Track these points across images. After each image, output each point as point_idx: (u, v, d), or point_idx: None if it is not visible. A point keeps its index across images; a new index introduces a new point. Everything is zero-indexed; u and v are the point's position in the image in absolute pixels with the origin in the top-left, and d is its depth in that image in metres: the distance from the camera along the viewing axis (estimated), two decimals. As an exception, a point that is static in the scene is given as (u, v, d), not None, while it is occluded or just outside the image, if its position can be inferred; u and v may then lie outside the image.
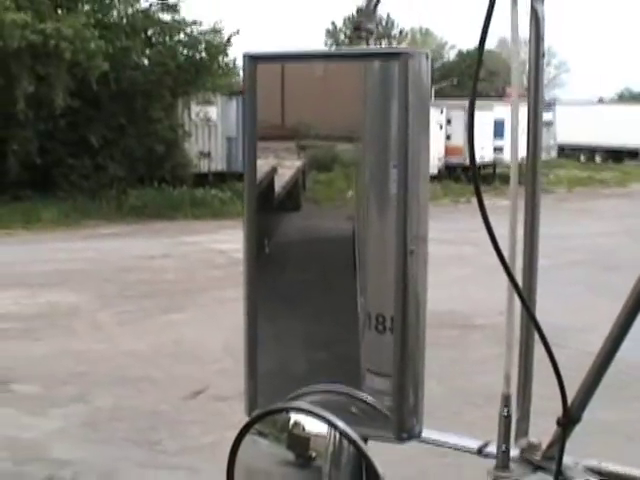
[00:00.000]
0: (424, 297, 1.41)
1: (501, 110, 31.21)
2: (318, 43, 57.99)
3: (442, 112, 32.74)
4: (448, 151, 33.27)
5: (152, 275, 14.88)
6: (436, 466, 5.95)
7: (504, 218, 1.46)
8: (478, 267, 13.73)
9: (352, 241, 1.47)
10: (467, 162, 32.17)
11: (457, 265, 15.22)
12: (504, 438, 1.47)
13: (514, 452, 1.50)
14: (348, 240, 1.47)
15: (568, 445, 1.44)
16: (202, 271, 15.22)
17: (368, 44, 1.60)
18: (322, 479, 1.33)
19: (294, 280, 1.56)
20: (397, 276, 1.38)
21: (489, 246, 1.32)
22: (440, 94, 43.76)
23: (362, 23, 1.59)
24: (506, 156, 31.30)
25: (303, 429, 1.33)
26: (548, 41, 1.50)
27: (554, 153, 37.97)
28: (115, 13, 24.42)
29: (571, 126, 38.75)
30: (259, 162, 1.53)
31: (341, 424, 1.28)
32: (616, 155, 42.74)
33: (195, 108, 25.72)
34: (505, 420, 1.47)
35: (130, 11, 24.35)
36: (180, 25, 24.47)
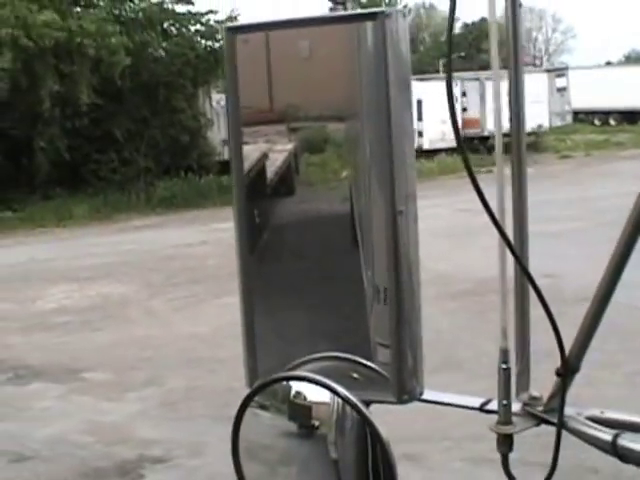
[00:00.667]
0: (416, 256, 1.41)
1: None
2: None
3: (457, 85, 32.78)
4: (465, 123, 33.32)
5: (194, 262, 15.17)
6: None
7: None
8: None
9: (350, 219, 1.46)
10: (484, 133, 32.38)
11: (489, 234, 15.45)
12: (505, 392, 1.46)
13: (516, 407, 1.50)
14: (346, 218, 1.46)
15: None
16: (241, 255, 15.51)
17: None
18: (327, 447, 1.33)
19: (292, 257, 1.56)
20: (387, 237, 1.38)
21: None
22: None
23: None
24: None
25: (305, 398, 1.33)
26: (553, 7, 1.40)
27: (569, 118, 38.10)
28: (128, 7, 24.67)
29: (584, 91, 38.78)
30: (249, 147, 1.52)
31: (342, 390, 1.28)
32: (630, 117, 42.74)
33: (216, 96, 25.98)
34: (504, 374, 1.46)
35: (144, 4, 24.59)
36: (195, 16, 24.72)
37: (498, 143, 1.42)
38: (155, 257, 15.95)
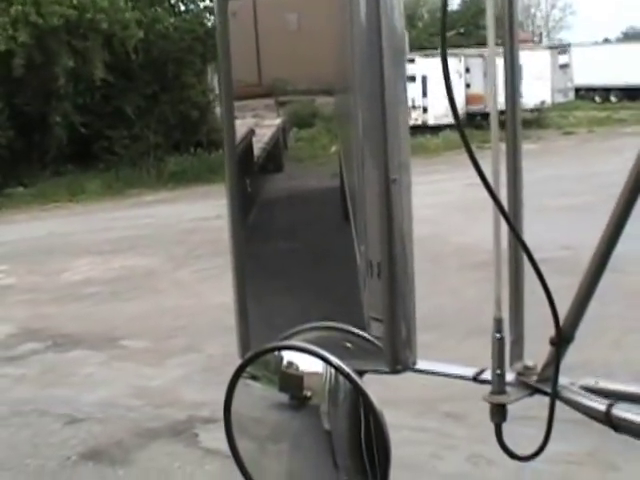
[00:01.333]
0: (410, 227, 1.40)
1: (520, 55, 31.47)
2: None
3: (461, 61, 32.94)
4: (468, 99, 33.47)
5: (213, 235, 15.33)
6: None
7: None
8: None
9: (341, 193, 1.44)
10: (487, 109, 32.52)
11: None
12: (498, 362, 1.45)
13: (510, 376, 1.49)
14: (336, 193, 1.45)
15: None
16: (258, 228, 15.79)
17: None
18: (319, 417, 1.33)
19: (283, 233, 1.55)
20: (381, 206, 1.36)
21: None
22: (447, 44, 43.63)
23: None
24: (525, 101, 31.71)
25: (297, 368, 1.32)
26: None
27: (572, 95, 38.27)
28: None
29: (585, 68, 38.97)
30: (237, 122, 1.50)
31: (335, 359, 1.27)
32: (631, 94, 42.91)
33: (223, 73, 26.08)
34: (498, 344, 1.44)
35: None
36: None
37: (493, 115, 1.40)
38: (174, 231, 16.20)
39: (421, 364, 1.47)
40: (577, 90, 40.04)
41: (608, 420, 1.37)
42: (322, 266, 1.51)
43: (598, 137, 31.01)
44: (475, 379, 1.51)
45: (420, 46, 44.02)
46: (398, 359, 1.41)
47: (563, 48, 38.47)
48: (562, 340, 1.41)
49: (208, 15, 25.02)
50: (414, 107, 30.82)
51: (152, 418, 7.11)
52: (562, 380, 1.42)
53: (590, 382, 1.44)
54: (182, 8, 25.42)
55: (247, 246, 1.53)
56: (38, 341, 9.51)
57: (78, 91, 22.85)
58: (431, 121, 31.37)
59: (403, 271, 1.40)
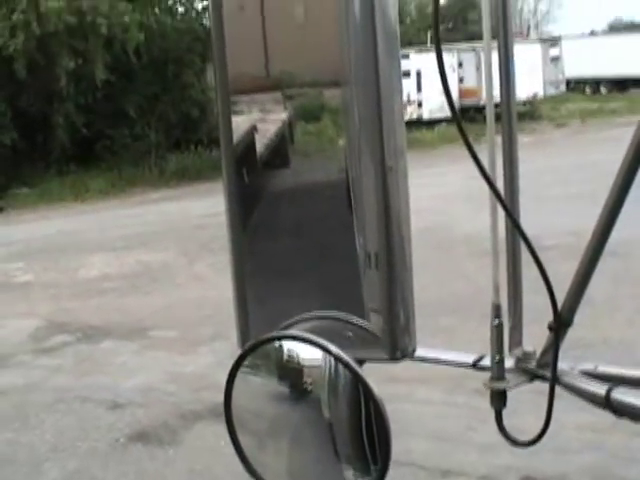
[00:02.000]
0: (407, 214, 1.40)
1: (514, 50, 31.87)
2: None
3: (454, 55, 33.23)
4: (462, 93, 33.75)
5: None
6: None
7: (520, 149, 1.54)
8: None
9: (346, 186, 1.43)
10: (481, 103, 32.90)
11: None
12: (497, 348, 1.45)
13: (509, 363, 1.49)
14: (342, 187, 1.43)
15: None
16: (267, 222, 16.08)
17: None
18: (320, 407, 1.33)
19: (285, 226, 1.55)
20: (377, 194, 1.36)
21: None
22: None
23: None
24: (518, 93, 32.03)
25: (297, 358, 1.33)
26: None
27: (563, 87, 38.70)
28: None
29: (574, 60, 39.36)
30: (242, 118, 1.51)
31: (335, 348, 1.28)
32: (621, 85, 43.35)
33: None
34: (497, 330, 1.45)
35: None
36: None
37: (489, 107, 1.43)
38: (183, 227, 16.46)
39: (420, 351, 1.46)
40: (567, 82, 40.45)
41: (608, 404, 1.37)
42: (323, 257, 1.50)
43: (591, 128, 31.35)
44: (474, 366, 1.53)
45: (408, 41, 44.30)
46: (397, 347, 1.41)
47: (554, 41, 38.87)
48: (561, 325, 1.43)
49: (207, 15, 25.33)
50: (409, 102, 31.13)
51: (192, 401, 7.39)
52: (561, 365, 1.44)
53: (589, 367, 1.45)
54: (180, 10, 25.65)
55: (249, 237, 1.54)
56: (68, 333, 9.77)
57: (80, 91, 23.09)
58: (426, 115, 31.68)
59: (401, 259, 1.39)
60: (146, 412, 7.21)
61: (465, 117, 32.61)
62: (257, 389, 1.39)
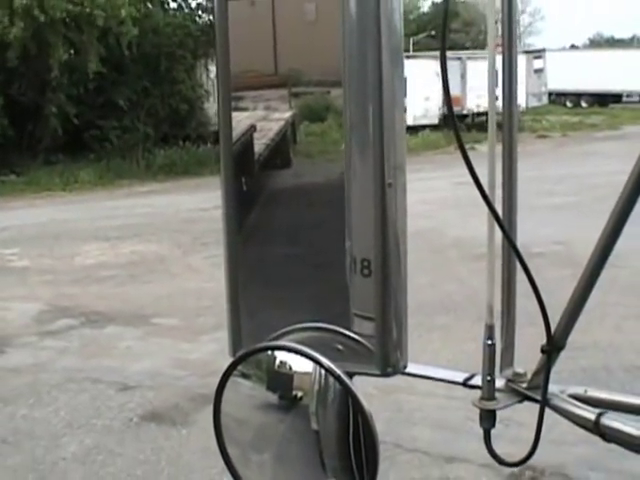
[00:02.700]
0: (404, 229, 1.39)
1: (498, 59, 32.26)
2: None
3: (438, 63, 33.51)
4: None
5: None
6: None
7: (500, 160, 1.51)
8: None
9: (343, 190, 1.42)
10: (464, 111, 33.33)
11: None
12: (489, 368, 1.46)
13: (500, 383, 1.50)
14: (340, 191, 1.41)
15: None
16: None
17: None
18: (309, 418, 1.33)
19: (279, 231, 1.54)
20: (375, 210, 1.35)
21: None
22: (418, 46, 44.37)
23: None
24: (500, 104, 32.45)
25: (288, 368, 1.33)
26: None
27: (545, 99, 39.23)
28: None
29: (556, 72, 39.91)
30: (244, 114, 1.50)
31: (325, 360, 1.28)
32: (601, 99, 44.03)
33: (214, 69, 26.63)
34: (489, 350, 1.46)
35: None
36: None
37: (491, 120, 1.43)
38: (175, 220, 16.69)
39: (412, 367, 1.46)
40: (549, 94, 41.02)
41: (597, 429, 1.39)
42: (319, 266, 1.50)
43: (572, 141, 31.87)
44: (465, 384, 1.54)
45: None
46: (389, 362, 1.41)
47: (538, 53, 39.38)
48: (553, 348, 1.44)
49: (200, 13, 25.64)
50: (394, 107, 31.48)
51: (200, 386, 7.63)
52: (552, 388, 1.45)
53: (579, 391, 1.47)
54: (173, 5, 25.95)
55: (245, 243, 1.52)
56: (71, 317, 9.98)
57: (72, 83, 23.27)
58: (410, 121, 31.94)
59: (396, 275, 1.39)
60: (156, 395, 7.46)
61: (448, 124, 33.05)
62: (246, 398, 1.40)
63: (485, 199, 1.33)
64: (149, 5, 24.60)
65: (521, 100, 34.77)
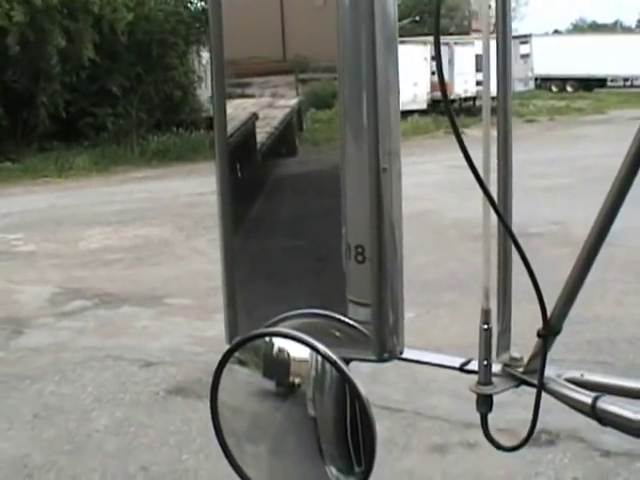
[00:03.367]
0: (399, 215, 1.39)
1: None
2: None
3: (427, 49, 33.79)
4: (433, 86, 34.46)
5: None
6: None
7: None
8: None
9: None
10: (452, 96, 33.61)
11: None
12: (485, 352, 1.46)
13: (496, 368, 1.50)
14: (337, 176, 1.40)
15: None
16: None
17: None
18: (305, 404, 1.34)
19: (277, 217, 1.52)
20: (370, 195, 1.35)
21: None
22: (402, 32, 44.61)
23: None
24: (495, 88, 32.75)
25: (284, 354, 1.33)
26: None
27: (532, 84, 39.60)
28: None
29: (541, 57, 40.25)
30: (250, 101, 1.48)
31: (322, 346, 1.28)
32: (586, 84, 44.44)
33: (206, 55, 26.86)
34: (485, 334, 1.46)
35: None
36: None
37: (485, 105, 1.42)
38: (174, 204, 16.89)
39: (408, 353, 1.46)
40: (535, 79, 41.38)
41: (594, 413, 1.38)
42: (317, 254, 1.50)
43: (560, 125, 32.22)
44: (461, 369, 1.53)
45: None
46: (385, 348, 1.40)
47: (525, 38, 39.69)
48: (549, 332, 1.43)
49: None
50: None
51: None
52: (548, 372, 1.44)
53: (576, 375, 1.46)
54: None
55: (242, 231, 1.51)
56: (84, 299, 10.20)
57: (66, 70, 23.41)
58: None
59: (392, 260, 1.39)
60: (179, 370, 7.70)
61: (436, 110, 33.39)
62: (243, 385, 1.40)
63: (480, 183, 1.32)
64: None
65: (508, 85, 35.14)
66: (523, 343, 1.60)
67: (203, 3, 25.68)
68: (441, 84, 1.41)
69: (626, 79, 47.12)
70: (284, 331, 1.34)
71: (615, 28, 64.97)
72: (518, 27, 64.47)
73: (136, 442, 6.26)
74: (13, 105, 23.29)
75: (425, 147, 24.47)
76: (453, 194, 15.67)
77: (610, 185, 1.34)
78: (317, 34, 1.41)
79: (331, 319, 1.42)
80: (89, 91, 24.43)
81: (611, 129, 29.51)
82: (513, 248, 1.45)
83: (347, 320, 1.41)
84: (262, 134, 1.49)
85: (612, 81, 46.40)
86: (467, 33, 42.57)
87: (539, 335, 1.44)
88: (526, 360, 1.51)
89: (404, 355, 1.44)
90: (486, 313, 1.46)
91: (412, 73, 30.01)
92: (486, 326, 1.46)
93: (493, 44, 1.45)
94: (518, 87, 37.16)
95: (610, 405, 1.38)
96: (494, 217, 1.40)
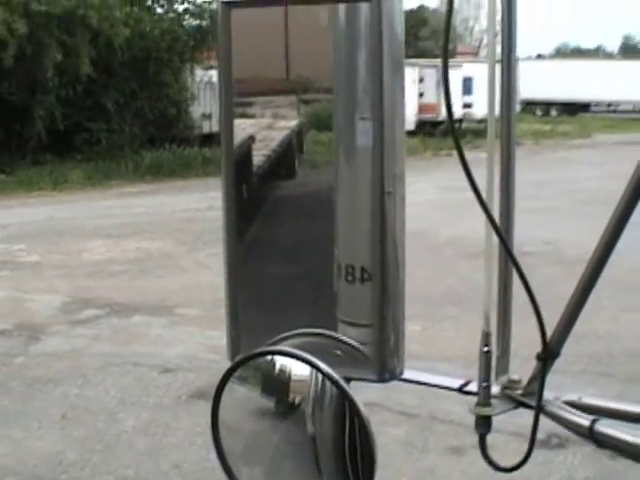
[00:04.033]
0: (402, 237, 1.39)
1: (470, 68, 33.14)
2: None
3: (415, 70, 34.21)
4: (421, 108, 34.88)
5: (213, 225, 15.93)
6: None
7: (481, 168, 1.46)
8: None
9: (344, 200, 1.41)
10: (439, 118, 34.03)
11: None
12: (485, 375, 1.47)
13: (495, 389, 1.51)
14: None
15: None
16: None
17: None
18: (305, 423, 1.34)
19: (281, 239, 1.53)
20: (374, 218, 1.35)
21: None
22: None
23: None
24: (475, 111, 33.24)
25: (285, 373, 1.34)
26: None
27: (517, 107, 39.99)
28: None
29: (525, 81, 40.77)
30: (249, 122, 1.48)
31: (323, 365, 1.28)
32: (570, 108, 45.08)
33: (200, 73, 27.22)
34: (485, 357, 1.47)
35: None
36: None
37: (490, 127, 1.44)
38: (172, 219, 17.12)
39: (408, 374, 1.47)
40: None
41: (592, 436, 1.40)
42: (318, 273, 1.49)
43: (546, 149, 32.69)
44: (461, 390, 1.56)
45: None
46: (386, 368, 1.41)
47: (510, 62, 40.15)
48: (548, 356, 1.44)
49: (187, 17, 26.17)
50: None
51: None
52: (547, 395, 1.46)
53: (574, 397, 1.48)
54: (159, 10, 26.42)
55: (245, 250, 1.52)
56: (96, 308, 10.41)
57: (62, 84, 23.64)
58: (387, 127, 32.61)
59: (394, 281, 1.39)
60: (197, 376, 7.94)
61: (423, 131, 33.80)
62: (244, 402, 1.40)
63: (482, 205, 1.34)
64: (134, 9, 25.03)
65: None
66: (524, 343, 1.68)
67: (197, 21, 26.08)
68: (448, 107, 1.39)
69: (609, 104, 47.91)
70: (286, 349, 1.35)
71: (597, 53, 65.89)
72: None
73: (165, 441, 6.52)
74: (8, 117, 23.48)
75: (415, 168, 24.75)
76: (447, 213, 16.03)
77: (596, 208, 1.54)
78: (321, 54, 1.41)
79: (332, 339, 1.43)
80: (84, 105, 24.66)
81: (596, 153, 30.08)
82: (514, 271, 1.46)
83: (348, 340, 1.42)
84: (259, 156, 1.50)
85: (596, 105, 47.12)
86: (452, 56, 43.10)
87: (538, 358, 1.47)
88: (525, 382, 1.54)
89: (404, 376, 1.45)
90: (487, 336, 1.48)
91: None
92: (486, 348, 1.48)
93: (482, 67, 1.57)
94: (504, 110, 37.58)
95: (608, 428, 1.41)
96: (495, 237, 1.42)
